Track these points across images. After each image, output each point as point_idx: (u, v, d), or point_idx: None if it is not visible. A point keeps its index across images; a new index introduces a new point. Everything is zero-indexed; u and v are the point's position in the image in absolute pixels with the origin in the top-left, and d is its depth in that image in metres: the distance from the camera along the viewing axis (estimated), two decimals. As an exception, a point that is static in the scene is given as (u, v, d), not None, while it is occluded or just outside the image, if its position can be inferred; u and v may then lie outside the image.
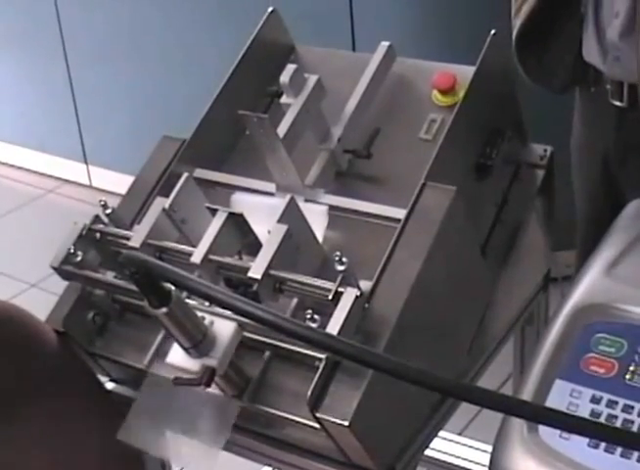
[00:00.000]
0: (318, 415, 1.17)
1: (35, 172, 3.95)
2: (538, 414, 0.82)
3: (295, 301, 1.25)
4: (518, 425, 1.08)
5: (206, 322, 1.17)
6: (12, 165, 4.02)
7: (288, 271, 1.22)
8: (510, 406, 0.81)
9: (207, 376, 1.17)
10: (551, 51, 1.65)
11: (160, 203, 1.31)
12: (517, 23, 1.62)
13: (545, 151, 1.53)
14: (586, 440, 1.04)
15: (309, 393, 1.17)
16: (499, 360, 1.51)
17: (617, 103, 1.59)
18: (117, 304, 1.39)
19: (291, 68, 1.40)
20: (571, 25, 1.63)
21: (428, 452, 1.89)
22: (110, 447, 1.42)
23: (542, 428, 1.07)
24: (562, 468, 1.04)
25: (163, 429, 1.30)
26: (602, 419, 1.06)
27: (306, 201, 1.39)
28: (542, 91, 1.72)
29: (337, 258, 1.18)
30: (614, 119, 1.62)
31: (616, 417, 1.06)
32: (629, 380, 1.08)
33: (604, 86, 1.60)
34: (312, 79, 1.41)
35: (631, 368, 1.09)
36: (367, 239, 1.35)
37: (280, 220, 1.24)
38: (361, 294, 1.19)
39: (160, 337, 1.33)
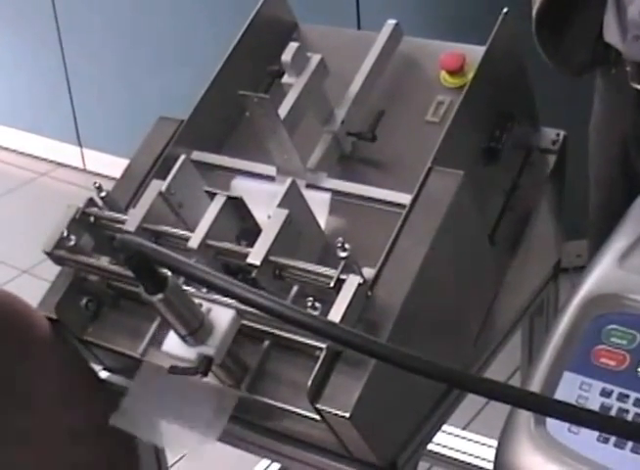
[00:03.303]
0: (318, 406, 1.18)
1: (28, 155, 3.95)
2: (546, 406, 0.82)
3: (295, 288, 1.24)
4: (524, 418, 1.08)
5: (204, 309, 1.17)
6: (4, 148, 4.02)
7: (288, 257, 1.22)
8: (516, 398, 0.81)
9: (204, 365, 1.17)
10: (572, 30, 1.64)
11: (157, 186, 1.31)
12: (536, 0, 1.62)
13: (557, 135, 1.53)
14: (596, 434, 1.04)
15: (309, 383, 1.17)
16: (506, 352, 1.51)
17: (637, 85, 1.58)
18: (112, 290, 1.39)
19: (293, 46, 1.40)
20: (592, 4, 1.62)
21: (431, 447, 1.90)
22: (102, 437, 1.42)
23: (550, 421, 1.07)
24: (570, 463, 1.04)
25: (158, 416, 1.30)
26: (612, 413, 1.06)
27: (308, 186, 1.39)
28: (555, 73, 1.71)
29: (339, 245, 1.18)
30: (634, 102, 1.62)
31: (627, 411, 1.06)
32: (641, 373, 1.08)
33: (625, 68, 1.60)
34: (315, 58, 1.41)
35: (643, 361, 1.09)
36: (371, 225, 1.35)
37: (280, 205, 1.24)
38: (364, 282, 1.19)
39: (155, 324, 1.33)
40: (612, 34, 1.60)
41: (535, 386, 1.10)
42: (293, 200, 1.26)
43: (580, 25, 1.64)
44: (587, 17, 1.63)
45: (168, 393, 1.30)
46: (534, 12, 1.63)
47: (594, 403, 1.07)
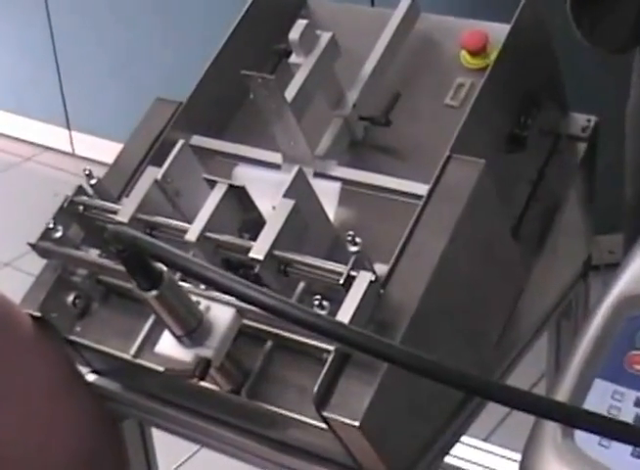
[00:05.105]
0: (325, 414, 1.18)
1: (12, 138, 3.96)
2: (575, 417, 0.82)
3: (301, 285, 1.25)
4: (551, 430, 1.08)
5: (202, 308, 1.17)
6: (-14, 130, 4.03)
7: (294, 252, 1.22)
8: (542, 408, 0.81)
9: (201, 368, 1.17)
10: (610, 6, 1.64)
11: (152, 173, 1.31)
12: None
13: (588, 121, 1.53)
14: (629, 448, 1.04)
15: (316, 389, 1.17)
16: (531, 357, 1.51)
17: None
18: (101, 285, 1.39)
19: (301, 23, 1.39)
20: None
21: (448, 460, 1.90)
22: (88, 443, 1.42)
23: (579, 434, 1.07)
24: (600, 479, 1.04)
25: None
26: (647, 425, 1.06)
27: (316, 174, 1.39)
28: (587, 53, 1.71)
29: (349, 239, 1.18)
30: None
31: (663, 424, 1.06)
32: (678, 382, 1.08)
33: None
34: (325, 37, 1.41)
35: (681, 368, 1.09)
36: (384, 217, 1.35)
37: (286, 195, 1.24)
38: (376, 278, 1.19)
39: (148, 323, 1.33)
40: None
41: (563, 394, 1.10)
42: (299, 189, 1.26)
43: (620, 1, 1.63)
44: None
45: None
46: None
47: (627, 415, 1.07)
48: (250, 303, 0.84)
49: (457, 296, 1.29)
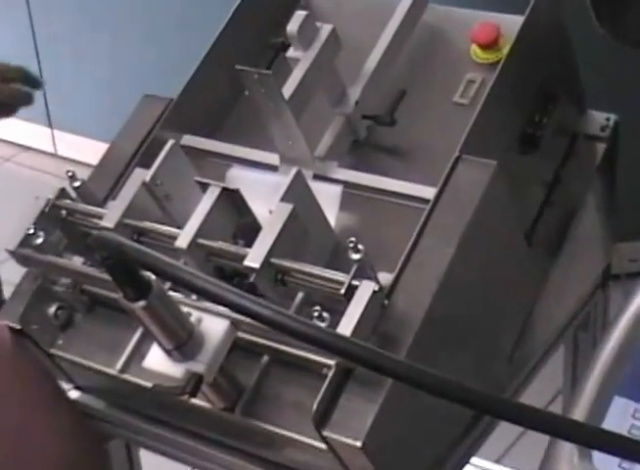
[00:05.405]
0: (325, 433, 1.18)
1: (-10, 137, 3.96)
2: (593, 438, 0.82)
3: (300, 295, 1.25)
4: (567, 451, 1.08)
5: (193, 319, 1.17)
6: (-39, 129, 4.04)
7: (292, 260, 1.22)
8: (558, 427, 0.81)
9: (193, 384, 1.17)
10: None
11: (140, 175, 1.31)
12: None
13: (607, 120, 1.53)
14: (651, 471, 1.04)
15: (315, 406, 1.17)
16: (546, 373, 1.51)
17: None
18: (86, 295, 1.39)
19: (300, 15, 1.40)
20: None
21: (457, 483, 1.90)
22: (71, 465, 1.42)
23: (597, 455, 1.07)
24: (619, 504, 1.04)
25: None
26: (671, 446, 1.06)
27: (316, 177, 1.39)
28: (606, 47, 1.71)
29: (351, 245, 1.18)
30: None
31: (687, 444, 1.06)
32: None
33: None
34: (325, 29, 1.41)
35: None
36: (388, 223, 1.35)
37: (284, 198, 1.24)
38: (380, 288, 1.19)
39: (136, 336, 1.33)
40: None
41: (580, 413, 1.10)
42: (298, 193, 1.26)
43: None
44: None
45: None
46: None
47: (650, 435, 1.07)
48: (244, 314, 0.84)
49: (466, 307, 1.29)
